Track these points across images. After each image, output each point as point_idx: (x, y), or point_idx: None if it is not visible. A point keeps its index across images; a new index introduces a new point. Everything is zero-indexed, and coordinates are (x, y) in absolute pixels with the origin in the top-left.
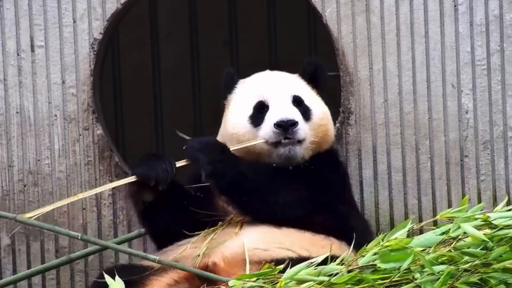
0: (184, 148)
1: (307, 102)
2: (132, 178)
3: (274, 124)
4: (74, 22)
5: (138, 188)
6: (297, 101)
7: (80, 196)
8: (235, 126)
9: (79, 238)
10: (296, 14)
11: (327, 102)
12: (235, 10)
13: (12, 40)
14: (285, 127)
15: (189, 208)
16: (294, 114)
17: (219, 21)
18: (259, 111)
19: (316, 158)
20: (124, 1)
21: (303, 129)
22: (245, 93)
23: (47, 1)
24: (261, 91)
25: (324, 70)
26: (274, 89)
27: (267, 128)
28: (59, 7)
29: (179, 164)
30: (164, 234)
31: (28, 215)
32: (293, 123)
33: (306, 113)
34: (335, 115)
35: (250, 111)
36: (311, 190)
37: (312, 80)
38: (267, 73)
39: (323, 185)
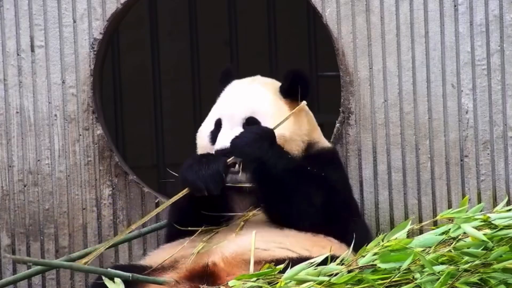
0: (230, 144)
1: (264, 123)
2: (184, 192)
3: (214, 151)
4: (74, 22)
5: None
6: (251, 123)
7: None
8: (199, 136)
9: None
10: (296, 14)
11: (314, 109)
12: (235, 10)
13: (12, 40)
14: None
15: (214, 210)
16: None
17: (219, 21)
18: (218, 128)
19: (317, 161)
20: (124, 1)
21: None
22: (217, 103)
23: (47, 1)
24: (222, 107)
25: (303, 81)
26: (232, 108)
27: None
28: (59, 7)
29: (229, 161)
30: (183, 232)
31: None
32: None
33: None
34: (335, 115)
35: (212, 126)
36: (324, 195)
37: (292, 93)
38: (246, 82)
39: (330, 189)
